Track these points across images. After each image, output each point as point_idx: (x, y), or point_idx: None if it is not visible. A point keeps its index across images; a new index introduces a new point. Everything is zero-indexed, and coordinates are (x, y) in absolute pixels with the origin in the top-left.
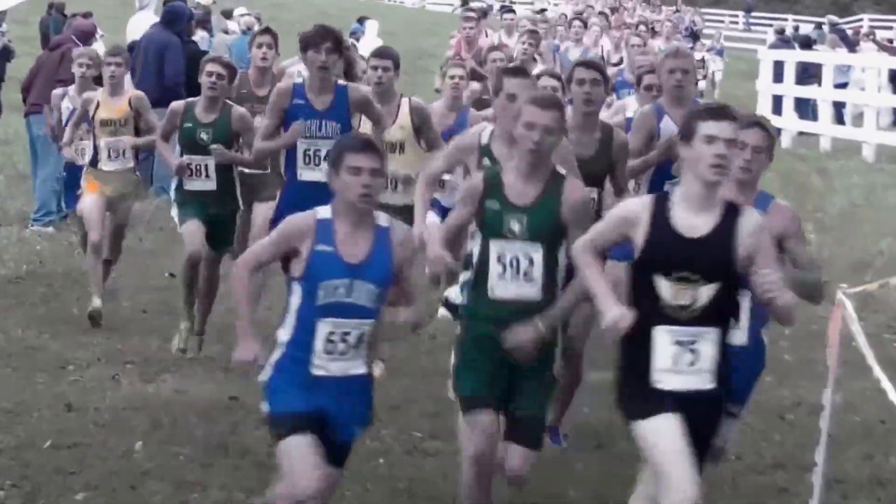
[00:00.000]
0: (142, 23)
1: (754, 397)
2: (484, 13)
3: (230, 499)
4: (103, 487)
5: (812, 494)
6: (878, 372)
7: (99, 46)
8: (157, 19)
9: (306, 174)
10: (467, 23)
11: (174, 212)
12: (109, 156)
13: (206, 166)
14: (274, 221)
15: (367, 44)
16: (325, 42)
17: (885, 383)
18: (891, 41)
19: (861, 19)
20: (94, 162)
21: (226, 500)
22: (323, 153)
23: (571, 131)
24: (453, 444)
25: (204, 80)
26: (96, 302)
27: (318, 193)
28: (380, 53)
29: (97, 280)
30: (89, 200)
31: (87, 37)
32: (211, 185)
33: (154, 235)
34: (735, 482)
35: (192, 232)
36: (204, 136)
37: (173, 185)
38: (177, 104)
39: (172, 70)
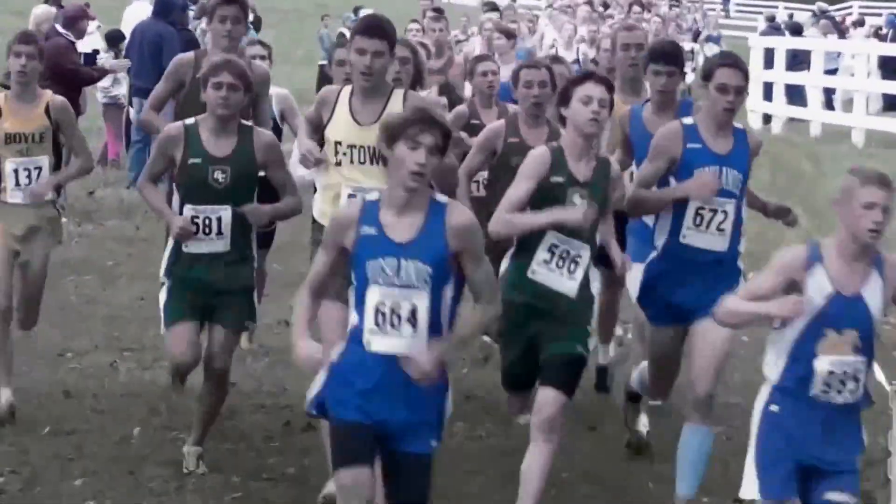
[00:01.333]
0: (138, 13)
1: (746, 379)
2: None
3: (227, 483)
4: (101, 473)
5: None
6: None
7: (96, 39)
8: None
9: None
10: (436, 23)
11: (161, 295)
12: (18, 183)
13: (219, 220)
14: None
15: None
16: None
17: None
18: (879, 28)
19: (851, 6)
20: None
21: (223, 483)
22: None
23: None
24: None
25: (211, 94)
26: (5, 393)
27: None
28: (369, 30)
29: (4, 361)
30: None
31: (73, 22)
32: (221, 244)
33: (150, 224)
34: (726, 462)
35: (181, 336)
36: (220, 175)
37: (168, 251)
38: (171, 129)
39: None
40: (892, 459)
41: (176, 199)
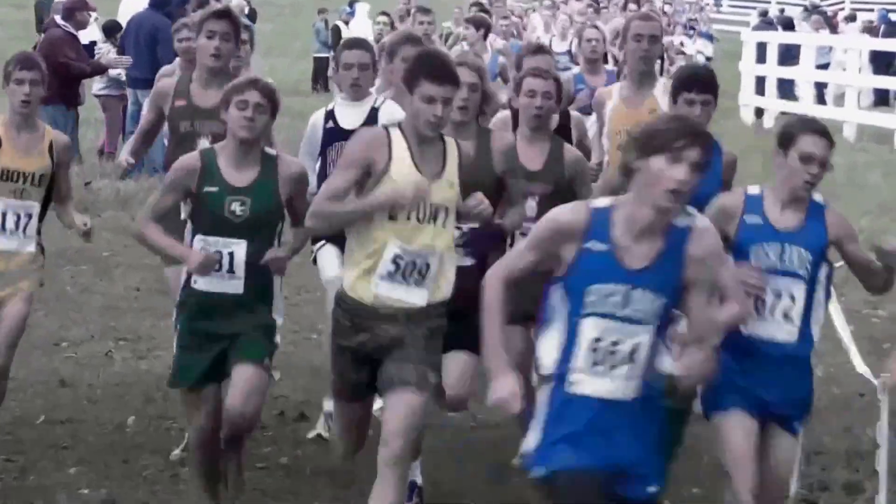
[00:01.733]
0: (134, 4)
1: None
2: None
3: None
4: (96, 461)
5: None
6: (847, 342)
7: (93, 30)
8: None
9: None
10: (424, 16)
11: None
12: (4, 227)
13: (231, 255)
14: None
15: (356, 27)
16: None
17: (856, 357)
18: (871, 23)
19: (843, 1)
20: None
21: None
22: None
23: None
24: (438, 420)
25: (234, 114)
26: None
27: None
28: (440, 76)
29: None
30: None
31: (71, 13)
32: (235, 286)
33: None
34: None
35: (199, 398)
36: (238, 208)
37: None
38: (186, 159)
39: (166, 53)
40: (881, 451)
41: (189, 230)
